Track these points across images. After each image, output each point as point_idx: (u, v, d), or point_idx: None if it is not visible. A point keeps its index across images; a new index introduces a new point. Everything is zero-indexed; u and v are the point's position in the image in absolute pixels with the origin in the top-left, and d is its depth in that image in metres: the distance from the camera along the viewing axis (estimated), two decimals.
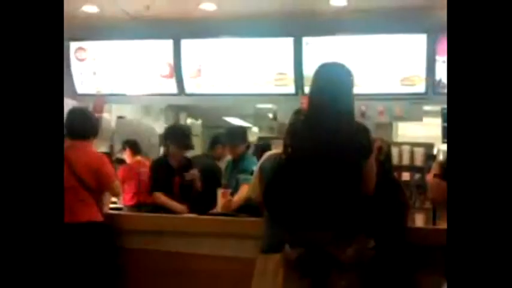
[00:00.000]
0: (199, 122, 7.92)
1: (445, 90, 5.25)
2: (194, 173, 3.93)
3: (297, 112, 2.80)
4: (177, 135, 3.97)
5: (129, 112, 6.76)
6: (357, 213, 2.32)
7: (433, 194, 2.68)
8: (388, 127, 6.10)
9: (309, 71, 5.40)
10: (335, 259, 2.28)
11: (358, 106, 4.53)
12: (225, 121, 7.92)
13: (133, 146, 5.41)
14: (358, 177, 2.31)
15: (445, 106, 5.30)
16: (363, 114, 5.47)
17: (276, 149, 3.01)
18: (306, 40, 5.69)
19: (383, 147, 3.27)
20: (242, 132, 4.22)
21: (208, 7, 5.48)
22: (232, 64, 5.95)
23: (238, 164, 4.02)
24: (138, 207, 4.87)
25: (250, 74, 5.89)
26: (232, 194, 3.74)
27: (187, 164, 4.02)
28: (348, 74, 2.46)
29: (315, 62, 5.13)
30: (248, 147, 4.18)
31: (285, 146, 2.45)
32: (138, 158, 5.35)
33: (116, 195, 3.71)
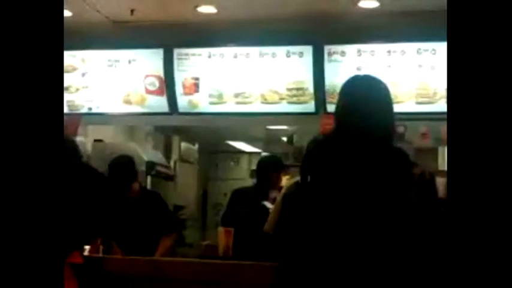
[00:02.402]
0: (196, 146, 8.01)
1: None
2: None
3: (315, 140, 2.86)
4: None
5: (110, 135, 6.82)
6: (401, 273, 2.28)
7: None
8: (433, 153, 6.17)
9: (332, 85, 5.69)
10: None
11: (396, 127, 4.56)
12: (229, 145, 8.02)
13: None
14: (402, 220, 2.30)
15: None
16: (401, 137, 5.55)
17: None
18: (328, 49, 5.77)
19: (425, 176, 3.52)
20: None
21: (207, 10, 5.58)
22: (236, 77, 6.02)
23: None
24: None
25: (259, 90, 5.97)
26: None
27: None
28: (383, 88, 2.51)
29: (339, 75, 5.62)
30: None
31: (304, 174, 2.48)
32: None
33: None
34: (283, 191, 3.13)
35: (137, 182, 4.72)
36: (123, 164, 4.65)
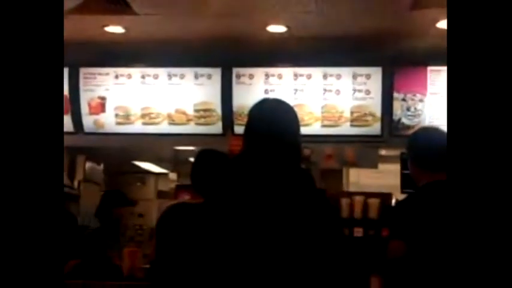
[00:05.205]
0: (101, 166, 8.00)
1: (405, 132, 5.70)
2: None
3: (203, 153, 3.04)
4: None
5: None
6: None
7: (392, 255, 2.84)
8: (338, 174, 6.48)
9: (240, 107, 5.89)
10: None
11: (302, 150, 4.71)
12: (136, 166, 8.08)
13: None
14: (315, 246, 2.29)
15: (404, 150, 5.69)
16: (307, 159, 5.84)
17: (180, 198, 3.19)
18: (236, 71, 5.99)
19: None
20: None
21: (115, 30, 5.62)
22: (143, 98, 6.15)
23: None
24: None
25: (166, 109, 6.11)
26: None
27: None
28: (291, 111, 2.54)
29: (247, 97, 5.83)
30: None
31: (206, 195, 2.46)
32: None
33: None
34: (161, 217, 3.13)
35: None
36: None
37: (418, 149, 2.95)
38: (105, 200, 5.41)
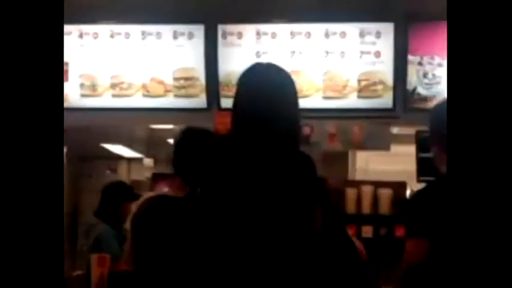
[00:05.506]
0: (64, 150, 7.45)
1: (422, 105, 5.23)
2: None
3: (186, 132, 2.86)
4: None
5: None
6: None
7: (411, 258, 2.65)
8: (342, 158, 6.01)
9: (227, 75, 5.37)
10: None
11: (301, 129, 4.51)
12: (105, 149, 7.52)
13: None
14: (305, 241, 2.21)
15: (421, 128, 5.17)
16: (306, 140, 5.34)
17: (157, 190, 3.00)
18: (222, 29, 5.44)
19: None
20: None
21: None
22: (113, 63, 5.59)
23: None
24: None
25: (140, 78, 5.56)
26: None
27: None
28: (288, 80, 2.40)
29: (236, 62, 5.22)
30: None
31: (192, 183, 2.42)
32: None
33: None
34: (135, 212, 2.85)
35: None
36: None
37: (442, 126, 2.53)
38: (108, 195, 5.07)
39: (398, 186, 5.82)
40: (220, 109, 5.40)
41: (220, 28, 5.45)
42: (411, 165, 5.49)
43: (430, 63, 5.27)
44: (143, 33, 5.56)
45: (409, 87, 5.32)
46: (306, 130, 5.40)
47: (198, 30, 5.47)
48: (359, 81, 5.36)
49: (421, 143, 5.35)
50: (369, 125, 5.53)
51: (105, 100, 5.61)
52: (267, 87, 2.36)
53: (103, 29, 5.60)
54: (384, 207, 5.72)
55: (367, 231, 5.63)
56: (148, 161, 8.08)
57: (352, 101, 5.42)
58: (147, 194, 3.10)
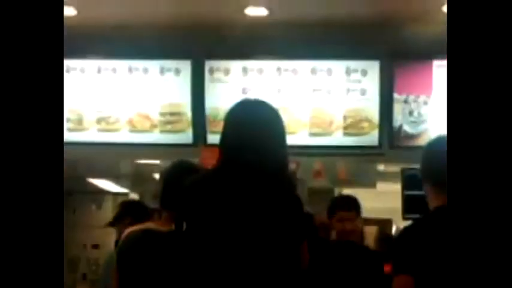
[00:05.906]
0: None
1: (407, 143, 5.25)
2: None
3: (178, 166, 2.83)
4: None
5: None
6: None
7: None
8: (327, 195, 5.87)
9: (214, 110, 5.36)
10: None
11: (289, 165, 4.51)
12: (90, 184, 7.49)
13: None
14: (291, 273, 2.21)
15: (407, 166, 5.18)
16: (293, 176, 5.05)
17: (141, 225, 2.94)
18: (209, 65, 5.45)
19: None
20: None
21: (67, 12, 5.04)
22: (99, 98, 5.57)
23: None
24: None
25: (126, 113, 5.53)
26: None
27: None
28: (276, 117, 2.40)
29: (223, 98, 5.21)
30: None
31: (178, 218, 2.40)
32: None
33: None
34: (119, 247, 2.87)
35: None
36: None
37: (434, 163, 2.58)
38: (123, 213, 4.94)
39: (384, 223, 5.97)
40: (206, 145, 5.36)
41: (207, 64, 5.46)
42: (397, 203, 5.48)
43: (416, 101, 5.30)
44: (130, 68, 5.55)
45: (395, 124, 5.32)
46: (292, 166, 5.24)
47: (185, 66, 5.48)
48: (345, 118, 5.36)
49: (407, 181, 5.39)
50: (355, 162, 5.59)
51: (91, 135, 5.58)
52: (254, 123, 2.35)
53: (90, 64, 5.59)
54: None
55: None
56: (133, 196, 7.97)
57: (338, 138, 5.41)
58: (131, 228, 3.07)
